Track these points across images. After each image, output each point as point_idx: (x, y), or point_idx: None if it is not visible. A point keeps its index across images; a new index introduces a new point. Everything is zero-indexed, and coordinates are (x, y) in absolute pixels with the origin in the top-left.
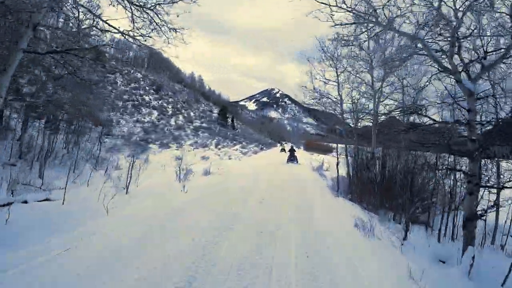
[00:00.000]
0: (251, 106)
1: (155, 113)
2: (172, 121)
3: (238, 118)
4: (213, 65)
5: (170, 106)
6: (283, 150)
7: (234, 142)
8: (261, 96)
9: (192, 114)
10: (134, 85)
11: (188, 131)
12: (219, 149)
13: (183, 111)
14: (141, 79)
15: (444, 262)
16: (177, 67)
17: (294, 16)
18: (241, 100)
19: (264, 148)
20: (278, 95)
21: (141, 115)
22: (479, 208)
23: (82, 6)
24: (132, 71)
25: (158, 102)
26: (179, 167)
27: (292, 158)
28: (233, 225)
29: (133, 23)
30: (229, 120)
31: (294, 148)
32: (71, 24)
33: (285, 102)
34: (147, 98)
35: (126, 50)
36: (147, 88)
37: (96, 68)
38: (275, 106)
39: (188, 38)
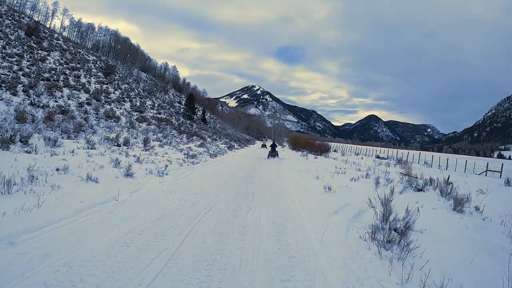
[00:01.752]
0: (232, 103)
1: (84, 97)
2: (108, 108)
3: (215, 112)
4: (195, 61)
5: (117, 92)
6: (264, 146)
7: (198, 138)
8: (242, 93)
9: (149, 103)
10: (73, 65)
11: (124, 120)
12: (163, 146)
13: (137, 99)
14: (91, 62)
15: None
16: (152, 59)
17: (276, 13)
18: (222, 97)
19: (236, 146)
20: (259, 92)
21: (51, 97)
22: None
23: None
24: (82, 52)
25: (101, 86)
26: None
27: (273, 153)
28: None
29: None
30: (199, 112)
31: (276, 144)
32: None
33: (266, 99)
34: (84, 79)
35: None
36: (93, 70)
37: None
38: (255, 103)
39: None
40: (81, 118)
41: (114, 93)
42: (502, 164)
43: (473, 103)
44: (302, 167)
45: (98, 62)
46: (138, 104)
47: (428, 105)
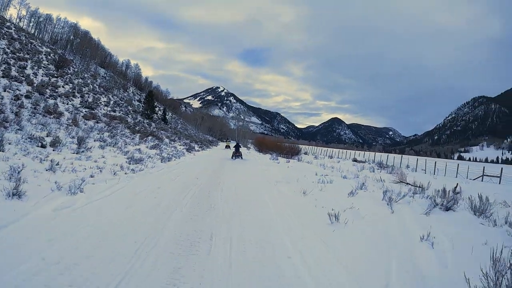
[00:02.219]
0: (196, 104)
1: (24, 89)
2: (51, 103)
3: (177, 113)
4: (160, 61)
5: (68, 87)
6: (227, 146)
7: (154, 138)
8: (206, 94)
9: (104, 99)
10: (20, 55)
11: (67, 117)
12: (104, 148)
13: (91, 94)
14: (43, 53)
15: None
16: (113, 55)
17: (244, 15)
18: (185, 98)
19: (197, 148)
20: (223, 93)
21: None
22: None
23: None
24: (34, 43)
25: (49, 79)
26: None
27: (237, 154)
28: None
29: None
30: (159, 112)
31: (240, 145)
32: None
33: (230, 100)
34: (30, 71)
35: None
36: (44, 62)
37: None
38: (219, 104)
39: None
40: (12, 112)
41: (63, 87)
42: (502, 168)
43: (434, 107)
44: (278, 174)
45: (52, 54)
46: (90, 100)
47: (391, 109)
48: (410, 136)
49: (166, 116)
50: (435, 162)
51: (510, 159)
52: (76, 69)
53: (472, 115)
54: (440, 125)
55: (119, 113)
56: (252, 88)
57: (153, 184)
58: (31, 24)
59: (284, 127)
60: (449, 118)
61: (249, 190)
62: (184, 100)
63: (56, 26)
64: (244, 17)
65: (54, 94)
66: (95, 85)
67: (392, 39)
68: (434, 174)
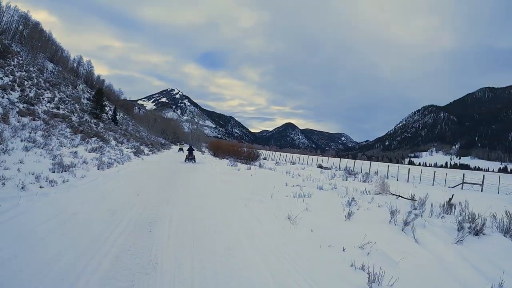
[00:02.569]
0: (150, 105)
1: None
2: None
3: (130, 114)
4: (115, 61)
5: (7, 79)
6: (181, 149)
7: (99, 139)
8: (161, 96)
9: (48, 95)
10: None
11: None
12: (29, 150)
13: (34, 89)
14: None
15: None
16: (64, 50)
17: (203, 17)
18: (140, 99)
19: (147, 151)
20: (178, 96)
21: None
22: None
23: None
24: None
25: None
26: None
27: (190, 157)
28: None
29: None
30: (109, 111)
31: (193, 148)
32: None
33: (185, 103)
34: None
35: None
36: None
37: None
38: (174, 107)
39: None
40: None
41: (2, 78)
42: (484, 175)
43: (385, 115)
44: (244, 187)
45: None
46: (31, 95)
47: (343, 115)
48: (362, 142)
49: (117, 116)
50: (409, 168)
51: (458, 164)
52: (21, 61)
53: (422, 123)
54: (391, 131)
55: (64, 110)
56: (207, 91)
57: (68, 207)
58: None
59: (238, 131)
60: (399, 125)
61: (211, 217)
62: (138, 102)
63: (5, 14)
64: (204, 19)
65: None
66: (40, 79)
67: (347, 49)
68: (408, 181)
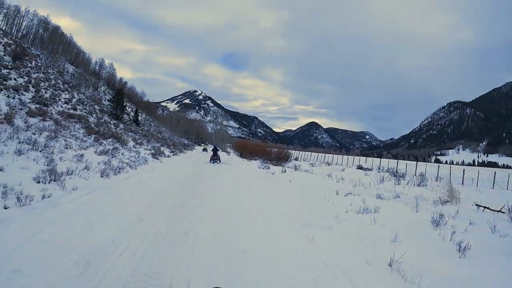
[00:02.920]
0: (173, 107)
1: None
2: None
3: (152, 115)
4: (138, 64)
5: (22, 80)
6: (205, 150)
7: (115, 140)
8: (184, 97)
9: (66, 96)
10: None
11: None
12: (21, 154)
13: (50, 90)
14: (1, 44)
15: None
16: (86, 53)
17: (223, 19)
18: (163, 101)
19: (167, 153)
20: (201, 97)
21: None
22: None
23: None
24: None
25: None
26: None
27: (215, 157)
28: None
29: None
30: (131, 111)
31: (218, 148)
32: None
33: (208, 104)
34: None
35: None
36: None
37: None
38: (197, 108)
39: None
40: None
41: (15, 79)
42: None
43: (409, 112)
44: (290, 200)
45: (14, 46)
46: (47, 96)
47: (367, 114)
48: (386, 140)
49: (139, 117)
50: (463, 169)
51: (485, 162)
52: (39, 64)
53: (447, 119)
54: (416, 129)
55: (81, 111)
56: (230, 92)
57: (10, 257)
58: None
59: (261, 131)
60: (425, 122)
61: (262, 275)
62: (162, 103)
63: (25, 18)
64: (224, 21)
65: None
66: (58, 81)
67: (368, 46)
68: (463, 184)
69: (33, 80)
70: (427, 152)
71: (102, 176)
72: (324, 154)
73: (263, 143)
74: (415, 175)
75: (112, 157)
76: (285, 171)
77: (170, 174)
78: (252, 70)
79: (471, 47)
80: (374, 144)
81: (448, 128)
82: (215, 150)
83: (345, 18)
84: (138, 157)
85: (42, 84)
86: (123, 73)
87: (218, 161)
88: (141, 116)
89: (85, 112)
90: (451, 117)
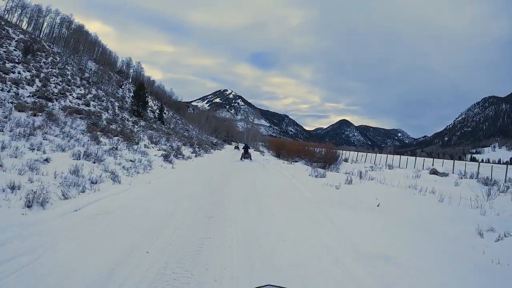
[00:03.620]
0: (204, 106)
1: None
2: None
3: (181, 113)
4: (168, 64)
5: (28, 74)
6: (237, 147)
7: (123, 140)
8: (214, 96)
9: (80, 92)
10: None
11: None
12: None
13: (63, 85)
14: (14, 40)
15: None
16: (112, 51)
17: (251, 18)
18: (193, 101)
19: (188, 154)
20: (231, 96)
21: None
22: None
23: None
24: (10, 30)
25: (3, 63)
26: None
27: (246, 155)
28: None
29: None
30: (157, 109)
31: (249, 146)
32: None
33: (238, 103)
34: None
35: None
36: (9, 48)
37: None
38: (227, 107)
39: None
40: None
41: (20, 73)
42: None
43: (441, 108)
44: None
45: (29, 42)
46: (55, 90)
47: (398, 111)
48: (419, 138)
49: (164, 115)
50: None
51: None
52: (57, 60)
53: (482, 116)
54: (450, 126)
55: (96, 107)
56: (260, 90)
57: None
58: (22, 16)
59: (292, 129)
60: (459, 119)
61: None
62: (192, 103)
63: (46, 18)
64: (252, 20)
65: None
66: (76, 77)
67: (397, 41)
68: None
69: (42, 75)
70: (461, 150)
71: (27, 207)
72: (357, 152)
73: (293, 141)
74: (505, 181)
75: (99, 162)
76: (350, 180)
77: (172, 194)
78: (281, 68)
79: (505, 39)
80: (407, 142)
81: (483, 125)
82: (246, 148)
83: (373, 13)
84: (141, 161)
85: (54, 79)
86: (154, 74)
87: (250, 159)
88: (167, 114)
89: (100, 108)
90: (486, 113)
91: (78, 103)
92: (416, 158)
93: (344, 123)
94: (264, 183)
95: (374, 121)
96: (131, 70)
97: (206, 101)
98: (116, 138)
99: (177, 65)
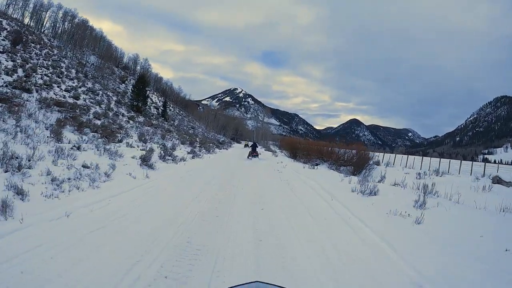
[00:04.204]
0: (214, 105)
1: None
2: None
3: (188, 110)
4: (179, 64)
5: (10, 63)
6: (246, 145)
7: (109, 139)
8: (224, 95)
9: (71, 84)
10: None
11: None
12: None
13: (52, 77)
14: (6, 30)
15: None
16: (118, 47)
17: (261, 17)
18: (203, 99)
19: (183, 154)
20: (241, 94)
21: None
22: None
23: None
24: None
25: None
26: None
27: (254, 154)
28: None
29: None
30: (159, 104)
31: (257, 144)
32: None
33: (248, 102)
34: None
35: None
36: None
37: None
38: (237, 105)
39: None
40: None
41: (0, 62)
42: None
43: (452, 108)
44: None
45: (21, 33)
46: (40, 81)
47: (409, 110)
48: (430, 138)
49: (169, 111)
50: None
51: None
52: (54, 53)
53: (494, 116)
54: (462, 126)
55: (87, 101)
56: (270, 89)
57: None
58: (23, 11)
59: (302, 128)
60: (470, 119)
61: None
62: (202, 102)
63: (48, 11)
64: (262, 19)
65: None
66: (72, 70)
67: (407, 40)
68: None
69: (28, 65)
70: (473, 150)
71: None
72: (382, 153)
73: (314, 140)
74: None
75: (19, 170)
76: (422, 203)
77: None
78: (291, 67)
79: None
80: (417, 141)
81: (496, 125)
82: (254, 146)
83: (383, 11)
84: (99, 167)
85: (43, 70)
86: (165, 74)
87: (257, 157)
88: (172, 111)
89: (91, 102)
90: (498, 113)
91: (65, 96)
92: (461, 163)
93: (354, 123)
94: (293, 219)
95: (384, 120)
96: (138, 67)
97: (216, 99)
98: (92, 134)
99: (188, 64)
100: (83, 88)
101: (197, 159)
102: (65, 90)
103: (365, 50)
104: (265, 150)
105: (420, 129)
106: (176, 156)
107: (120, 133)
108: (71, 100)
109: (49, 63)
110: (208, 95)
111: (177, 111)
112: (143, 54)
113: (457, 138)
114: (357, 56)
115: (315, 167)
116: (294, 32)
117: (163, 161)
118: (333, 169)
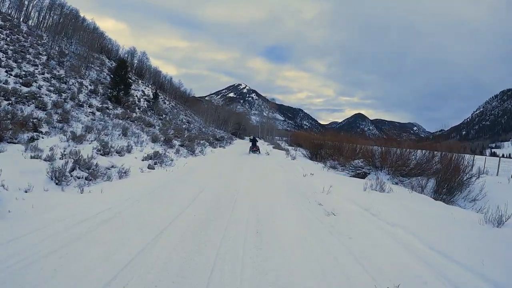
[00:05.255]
0: (218, 101)
1: None
2: None
3: (187, 105)
4: (183, 60)
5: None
6: (251, 140)
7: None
8: (228, 91)
9: (28, 69)
10: None
11: None
12: None
13: (16, 63)
14: None
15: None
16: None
17: (265, 12)
18: (207, 95)
19: (127, 161)
20: (245, 90)
21: None
22: None
23: None
24: None
25: None
26: None
27: (254, 148)
28: None
29: None
30: (145, 94)
31: (257, 139)
32: None
33: (252, 97)
34: None
35: None
36: None
37: None
38: (242, 101)
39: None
40: None
41: None
42: None
43: (458, 102)
44: None
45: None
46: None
47: (413, 104)
48: (435, 132)
49: (158, 102)
50: None
51: None
52: (23, 40)
53: (501, 109)
54: (468, 119)
55: (43, 88)
56: (274, 84)
57: None
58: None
59: (307, 123)
60: (477, 112)
61: None
62: (206, 98)
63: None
64: (266, 14)
65: None
66: (41, 57)
67: (413, 33)
68: None
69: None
70: (480, 144)
71: None
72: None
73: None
74: None
75: None
76: None
77: None
78: (295, 62)
79: None
80: (423, 136)
81: (502, 118)
82: (254, 141)
83: (388, 4)
84: None
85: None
86: (169, 70)
87: (258, 152)
88: (168, 104)
89: (50, 90)
90: (505, 107)
91: (7, 81)
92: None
93: (359, 117)
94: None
95: (389, 114)
96: (135, 60)
97: (220, 95)
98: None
99: (191, 60)
100: (47, 75)
101: (159, 170)
102: (16, 76)
103: (369, 44)
104: (273, 147)
105: (425, 123)
106: (103, 173)
107: (38, 127)
108: (16, 86)
109: (12, 48)
110: (212, 91)
111: (173, 105)
112: (147, 52)
113: (463, 132)
114: (362, 50)
115: (372, 183)
116: (298, 27)
117: (67, 185)
118: (397, 183)
